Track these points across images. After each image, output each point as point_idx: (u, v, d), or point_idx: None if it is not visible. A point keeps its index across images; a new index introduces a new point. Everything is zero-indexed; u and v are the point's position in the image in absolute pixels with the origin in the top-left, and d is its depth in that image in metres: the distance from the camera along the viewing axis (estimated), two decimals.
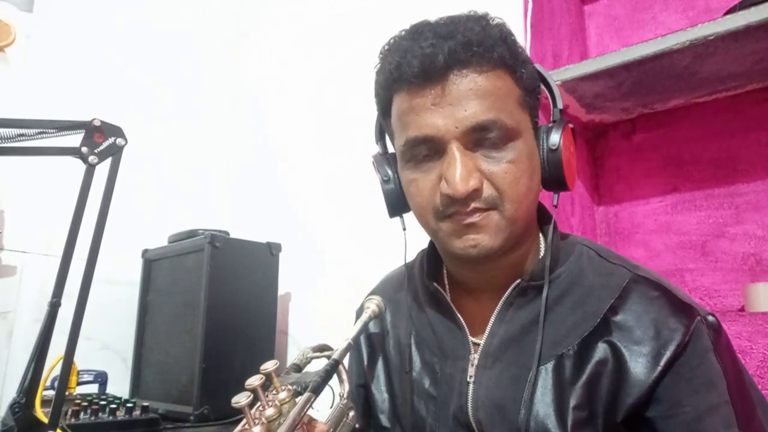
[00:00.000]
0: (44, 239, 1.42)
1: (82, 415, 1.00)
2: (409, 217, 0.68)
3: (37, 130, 0.84)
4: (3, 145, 0.82)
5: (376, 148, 0.72)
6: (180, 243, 1.42)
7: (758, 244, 1.16)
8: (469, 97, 0.57)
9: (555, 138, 0.62)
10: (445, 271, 0.73)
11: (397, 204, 0.69)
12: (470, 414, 0.63)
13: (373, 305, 0.71)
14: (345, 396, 0.62)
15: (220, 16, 1.99)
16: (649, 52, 1.00)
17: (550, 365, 0.60)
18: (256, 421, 0.54)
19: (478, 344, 0.65)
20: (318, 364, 0.65)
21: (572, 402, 0.58)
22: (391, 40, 0.63)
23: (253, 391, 0.55)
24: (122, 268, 1.53)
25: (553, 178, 0.63)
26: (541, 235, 0.69)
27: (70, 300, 0.82)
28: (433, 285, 0.70)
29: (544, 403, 0.59)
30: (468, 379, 0.64)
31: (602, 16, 1.47)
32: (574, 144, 0.66)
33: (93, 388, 1.28)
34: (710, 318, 0.58)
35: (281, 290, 1.49)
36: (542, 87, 0.66)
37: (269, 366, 0.58)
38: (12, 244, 1.39)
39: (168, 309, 1.42)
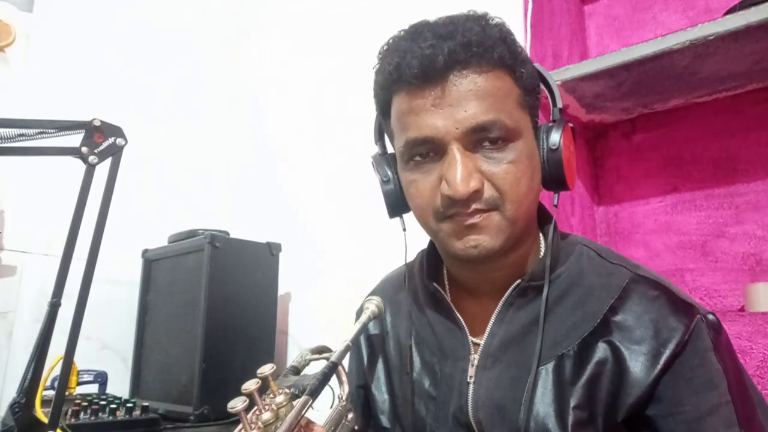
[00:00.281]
0: (44, 239, 1.42)
1: (82, 415, 1.00)
2: (409, 217, 0.68)
3: (37, 130, 0.84)
4: (3, 145, 0.82)
5: (376, 149, 0.72)
6: (180, 243, 1.42)
7: (758, 244, 1.16)
8: (469, 97, 0.57)
9: (555, 137, 0.62)
10: (445, 272, 0.73)
11: (397, 204, 0.69)
12: (470, 414, 0.62)
13: (372, 306, 0.71)
14: (344, 398, 0.62)
15: (220, 16, 1.99)
16: (649, 52, 1.00)
17: (550, 365, 0.60)
18: (253, 425, 0.54)
19: (478, 344, 0.65)
20: (317, 366, 0.65)
21: (572, 402, 0.58)
22: (390, 41, 0.63)
23: (249, 395, 0.55)
24: (122, 268, 1.52)
25: (554, 178, 0.63)
26: (541, 235, 0.69)
27: (70, 300, 0.82)
28: (433, 285, 0.70)
29: (544, 404, 0.59)
30: (468, 380, 0.64)
31: (602, 16, 1.47)
32: (574, 143, 0.66)
33: (93, 388, 1.29)
34: (710, 317, 0.58)
35: (281, 290, 1.49)
36: (542, 87, 0.66)
37: (266, 370, 0.58)
38: (12, 244, 1.38)
39: (168, 309, 1.42)
